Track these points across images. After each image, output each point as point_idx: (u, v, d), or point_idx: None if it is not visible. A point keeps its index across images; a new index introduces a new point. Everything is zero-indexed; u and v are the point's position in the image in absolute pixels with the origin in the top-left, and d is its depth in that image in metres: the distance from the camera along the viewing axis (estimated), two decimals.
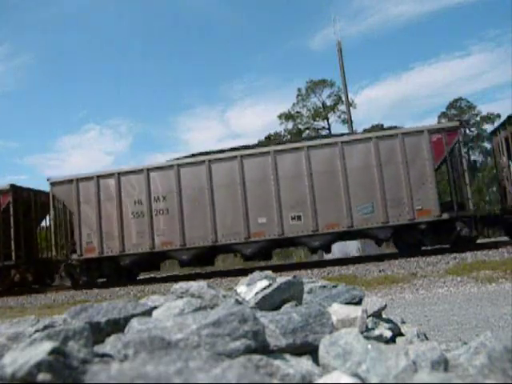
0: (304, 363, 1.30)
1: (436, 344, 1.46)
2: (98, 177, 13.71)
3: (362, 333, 1.60)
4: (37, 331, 1.52)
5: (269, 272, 2.16)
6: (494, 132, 15.48)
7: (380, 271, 10.08)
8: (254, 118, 62.74)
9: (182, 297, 1.88)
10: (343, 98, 27.69)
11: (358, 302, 2.06)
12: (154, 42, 77.35)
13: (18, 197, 15.32)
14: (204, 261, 13.84)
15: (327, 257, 16.68)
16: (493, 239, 16.92)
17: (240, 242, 12.76)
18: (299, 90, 38.34)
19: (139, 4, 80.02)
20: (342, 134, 14.12)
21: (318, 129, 38.13)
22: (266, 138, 38.13)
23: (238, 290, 1.96)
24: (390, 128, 13.61)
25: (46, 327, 1.56)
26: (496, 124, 24.44)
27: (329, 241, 12.78)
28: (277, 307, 1.80)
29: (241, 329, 1.26)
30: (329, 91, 37.87)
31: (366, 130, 13.68)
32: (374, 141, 12.35)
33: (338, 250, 18.28)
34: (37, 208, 15.99)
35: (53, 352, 1.00)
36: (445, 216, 12.15)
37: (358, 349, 1.25)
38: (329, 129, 37.54)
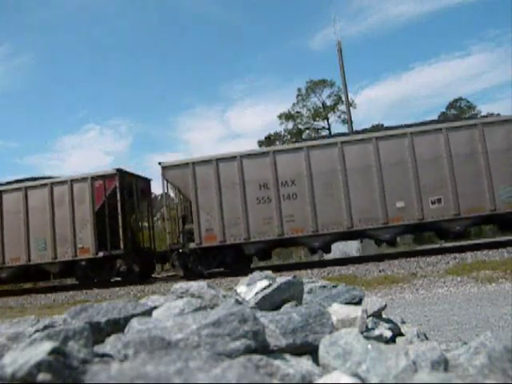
0: (304, 363, 1.30)
1: (436, 344, 1.46)
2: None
3: (362, 333, 1.60)
4: (37, 331, 1.52)
5: (269, 272, 2.16)
6: None
7: (380, 271, 10.09)
8: (254, 117, 62.79)
9: (181, 297, 1.88)
10: (343, 98, 27.71)
11: (358, 302, 2.06)
12: (154, 41, 77.42)
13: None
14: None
15: (327, 257, 16.67)
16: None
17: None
18: (299, 90, 38.36)
19: (139, 4, 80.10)
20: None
21: (318, 129, 38.15)
22: (265, 138, 38.17)
23: (238, 290, 1.96)
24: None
25: (45, 327, 1.56)
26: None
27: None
28: (277, 307, 1.80)
29: (241, 329, 1.26)
30: (329, 91, 37.91)
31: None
32: None
33: (338, 249, 18.27)
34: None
35: (53, 352, 1.00)
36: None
37: (358, 349, 1.25)
38: (329, 129, 37.54)
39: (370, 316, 1.89)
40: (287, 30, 67.16)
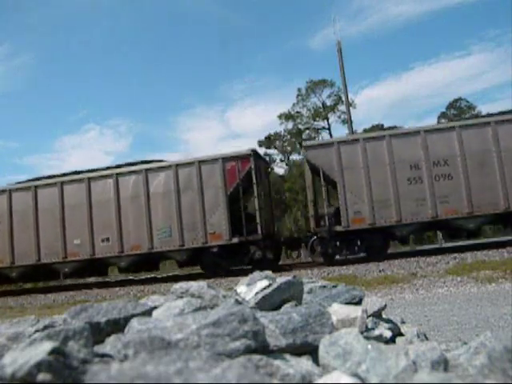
0: (304, 363, 1.30)
1: (436, 344, 1.46)
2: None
3: (361, 333, 1.60)
4: (37, 331, 1.52)
5: (269, 272, 2.16)
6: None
7: (380, 271, 10.09)
8: (254, 117, 62.65)
9: (182, 297, 1.88)
10: (343, 98, 27.69)
11: (358, 302, 2.06)
12: (153, 41, 77.42)
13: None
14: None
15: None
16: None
17: None
18: (299, 90, 38.31)
19: (139, 4, 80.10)
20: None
21: (318, 129, 38.14)
22: (265, 138, 38.14)
23: (238, 290, 1.96)
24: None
25: (45, 327, 1.56)
26: None
27: None
28: (277, 307, 1.80)
29: (241, 329, 1.26)
30: (329, 91, 37.85)
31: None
32: None
33: None
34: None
35: (53, 352, 1.00)
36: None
37: (358, 349, 1.25)
38: (329, 129, 37.54)
39: (369, 316, 1.89)
40: (287, 30, 67.08)
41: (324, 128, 38.02)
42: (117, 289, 12.19)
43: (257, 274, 2.11)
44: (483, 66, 61.66)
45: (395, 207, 12.06)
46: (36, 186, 14.04)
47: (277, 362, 1.22)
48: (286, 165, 36.87)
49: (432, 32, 61.02)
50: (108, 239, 13.30)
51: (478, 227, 12.33)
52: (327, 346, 1.29)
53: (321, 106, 38.00)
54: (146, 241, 13.04)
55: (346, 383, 1.03)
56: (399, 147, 12.29)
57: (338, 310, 1.81)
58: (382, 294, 7.89)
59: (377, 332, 1.80)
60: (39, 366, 0.96)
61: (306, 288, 2.23)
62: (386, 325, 1.90)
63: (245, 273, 5.26)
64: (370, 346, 1.25)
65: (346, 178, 12.35)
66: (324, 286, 2.32)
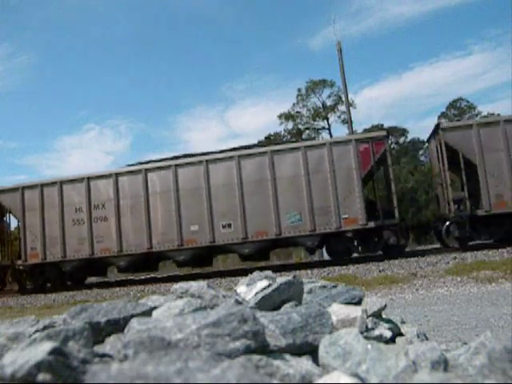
0: (304, 363, 1.30)
1: (436, 344, 1.46)
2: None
3: (361, 333, 1.60)
4: (37, 331, 1.52)
5: (269, 272, 2.16)
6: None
7: (380, 271, 10.09)
8: (254, 117, 62.72)
9: (181, 297, 1.88)
10: (343, 98, 27.68)
11: (358, 302, 2.05)
12: (153, 41, 77.39)
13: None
14: None
15: (327, 257, 16.63)
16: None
17: None
18: (299, 90, 38.33)
19: (139, 3, 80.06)
20: None
21: (318, 129, 38.14)
22: (265, 137, 38.14)
23: (238, 290, 1.96)
24: None
25: (45, 327, 1.56)
26: None
27: None
28: (277, 307, 1.80)
29: (241, 329, 1.26)
30: (329, 91, 37.88)
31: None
32: None
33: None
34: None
35: (53, 352, 1.00)
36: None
37: (358, 349, 1.25)
38: (329, 129, 37.55)
39: (369, 316, 1.89)
40: (287, 30, 67.14)
41: (324, 128, 38.04)
42: (117, 289, 12.19)
43: (257, 274, 2.11)
44: (483, 66, 61.78)
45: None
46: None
47: (277, 362, 1.22)
48: None
49: (432, 32, 61.14)
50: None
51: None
52: (327, 346, 1.29)
53: (321, 106, 38.02)
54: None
55: (346, 383, 1.03)
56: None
57: (337, 310, 1.81)
58: (382, 293, 7.89)
59: (377, 332, 1.80)
60: (39, 366, 0.96)
61: (306, 288, 2.23)
62: (386, 325, 1.90)
63: (245, 273, 5.25)
64: (369, 346, 1.25)
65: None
66: (324, 286, 2.32)
